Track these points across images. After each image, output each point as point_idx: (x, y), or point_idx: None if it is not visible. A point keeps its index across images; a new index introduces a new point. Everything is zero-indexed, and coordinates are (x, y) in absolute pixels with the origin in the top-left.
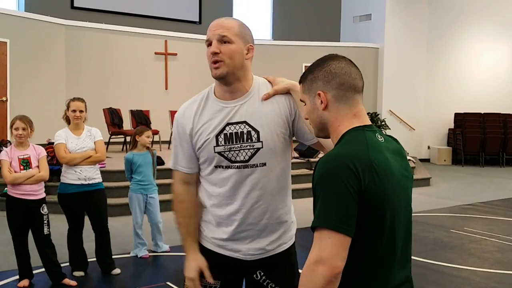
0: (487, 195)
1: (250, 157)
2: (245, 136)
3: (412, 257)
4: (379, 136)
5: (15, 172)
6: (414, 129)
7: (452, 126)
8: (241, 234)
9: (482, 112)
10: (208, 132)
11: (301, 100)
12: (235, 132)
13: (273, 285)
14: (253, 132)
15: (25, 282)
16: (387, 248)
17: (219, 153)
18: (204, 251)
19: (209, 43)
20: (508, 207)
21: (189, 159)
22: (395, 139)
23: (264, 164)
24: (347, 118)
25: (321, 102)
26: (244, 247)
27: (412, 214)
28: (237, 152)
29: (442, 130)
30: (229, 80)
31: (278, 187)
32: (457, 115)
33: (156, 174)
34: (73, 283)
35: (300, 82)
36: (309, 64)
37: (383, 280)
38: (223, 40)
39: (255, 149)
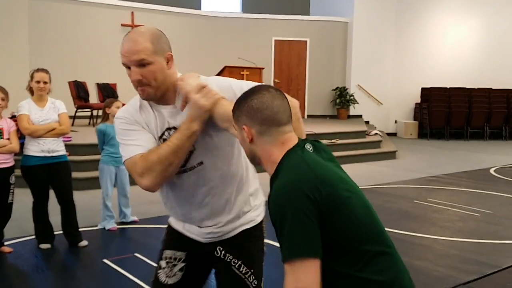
0: (451, 167)
1: (186, 162)
2: None
3: (388, 237)
4: (309, 148)
5: None
6: (382, 104)
7: (419, 100)
8: (203, 223)
9: (448, 87)
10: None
11: (234, 127)
12: None
13: (234, 259)
14: None
15: None
16: (363, 240)
17: None
18: (170, 227)
19: (127, 67)
20: (471, 178)
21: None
22: (316, 141)
23: (201, 163)
24: (275, 147)
25: (247, 135)
26: (200, 231)
27: (377, 186)
28: None
29: (409, 105)
30: (158, 96)
31: (224, 182)
32: (423, 90)
33: None
34: (8, 249)
35: (232, 111)
36: (279, 38)
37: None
38: (141, 64)
39: (188, 153)
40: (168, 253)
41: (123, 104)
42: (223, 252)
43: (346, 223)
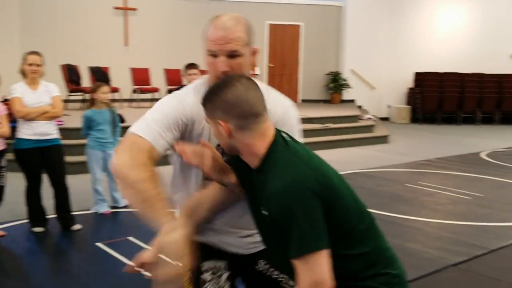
0: (443, 151)
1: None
2: None
3: (368, 210)
4: (286, 136)
5: None
6: (375, 88)
7: (412, 85)
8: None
9: (441, 72)
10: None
11: (206, 121)
12: None
13: (277, 273)
14: None
15: None
16: (357, 217)
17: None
18: (197, 243)
19: (214, 55)
20: (462, 162)
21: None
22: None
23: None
24: (256, 140)
25: (224, 130)
26: (242, 241)
27: (370, 170)
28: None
29: (402, 90)
30: None
31: None
32: (417, 75)
33: (119, 132)
34: (1, 233)
35: (202, 104)
36: (273, 22)
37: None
38: (232, 55)
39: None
40: (208, 264)
41: (114, 89)
42: (266, 266)
43: (343, 212)
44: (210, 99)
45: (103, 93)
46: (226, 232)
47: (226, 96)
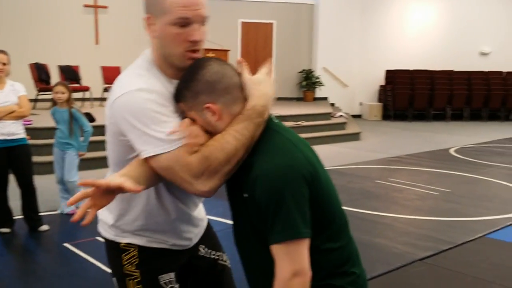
0: (413, 148)
1: None
2: None
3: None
4: (275, 119)
5: None
6: (347, 86)
7: (383, 82)
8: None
9: (411, 69)
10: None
11: (188, 118)
12: None
13: (216, 252)
14: None
15: None
16: (339, 218)
17: None
18: (146, 249)
19: (186, 24)
20: (431, 158)
21: None
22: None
23: None
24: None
25: (213, 113)
26: (195, 231)
27: (341, 167)
28: None
29: (374, 87)
30: None
31: None
32: (388, 72)
33: (88, 135)
34: None
35: (178, 101)
36: (245, 20)
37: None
38: (204, 22)
39: None
40: (165, 277)
41: (85, 87)
42: (206, 249)
43: (328, 203)
44: (188, 87)
45: (56, 93)
46: (183, 228)
47: (205, 77)
